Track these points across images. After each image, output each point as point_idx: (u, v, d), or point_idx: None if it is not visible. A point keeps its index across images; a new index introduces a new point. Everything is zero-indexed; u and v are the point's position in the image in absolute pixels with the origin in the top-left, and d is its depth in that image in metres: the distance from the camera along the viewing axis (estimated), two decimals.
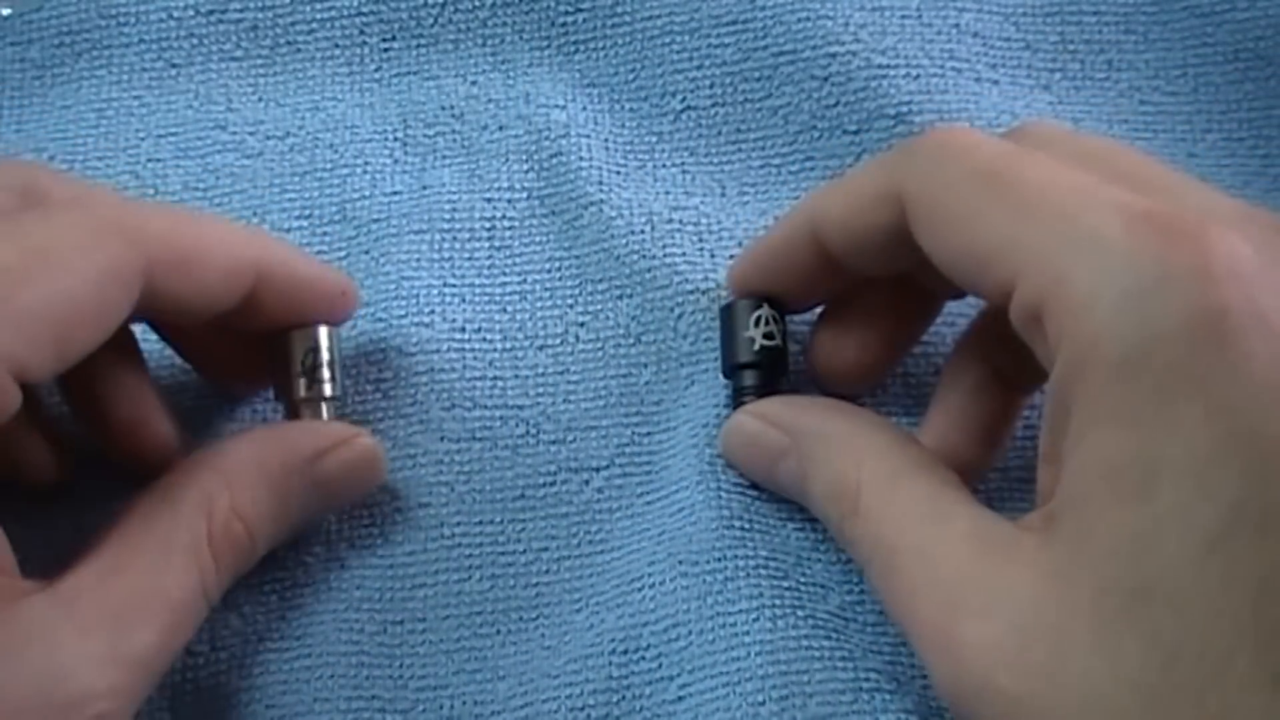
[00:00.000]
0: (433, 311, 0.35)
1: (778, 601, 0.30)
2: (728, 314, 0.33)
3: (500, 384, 0.34)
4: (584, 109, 0.38)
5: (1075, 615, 0.23)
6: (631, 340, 0.35)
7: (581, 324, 0.35)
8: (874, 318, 0.32)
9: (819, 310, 0.33)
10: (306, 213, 0.37)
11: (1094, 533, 0.23)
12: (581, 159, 0.37)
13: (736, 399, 0.32)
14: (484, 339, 0.35)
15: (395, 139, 0.38)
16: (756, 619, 0.30)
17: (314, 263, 0.33)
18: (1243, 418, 0.22)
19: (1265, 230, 0.25)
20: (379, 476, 0.32)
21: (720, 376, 0.34)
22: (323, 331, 0.32)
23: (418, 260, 0.36)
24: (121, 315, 0.28)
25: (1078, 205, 0.25)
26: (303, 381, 0.32)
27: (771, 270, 0.32)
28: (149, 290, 0.28)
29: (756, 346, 0.32)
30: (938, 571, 0.26)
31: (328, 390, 0.32)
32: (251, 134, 0.38)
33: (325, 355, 0.32)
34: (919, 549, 0.27)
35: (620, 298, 0.35)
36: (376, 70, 0.39)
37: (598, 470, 0.34)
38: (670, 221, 0.36)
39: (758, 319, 0.32)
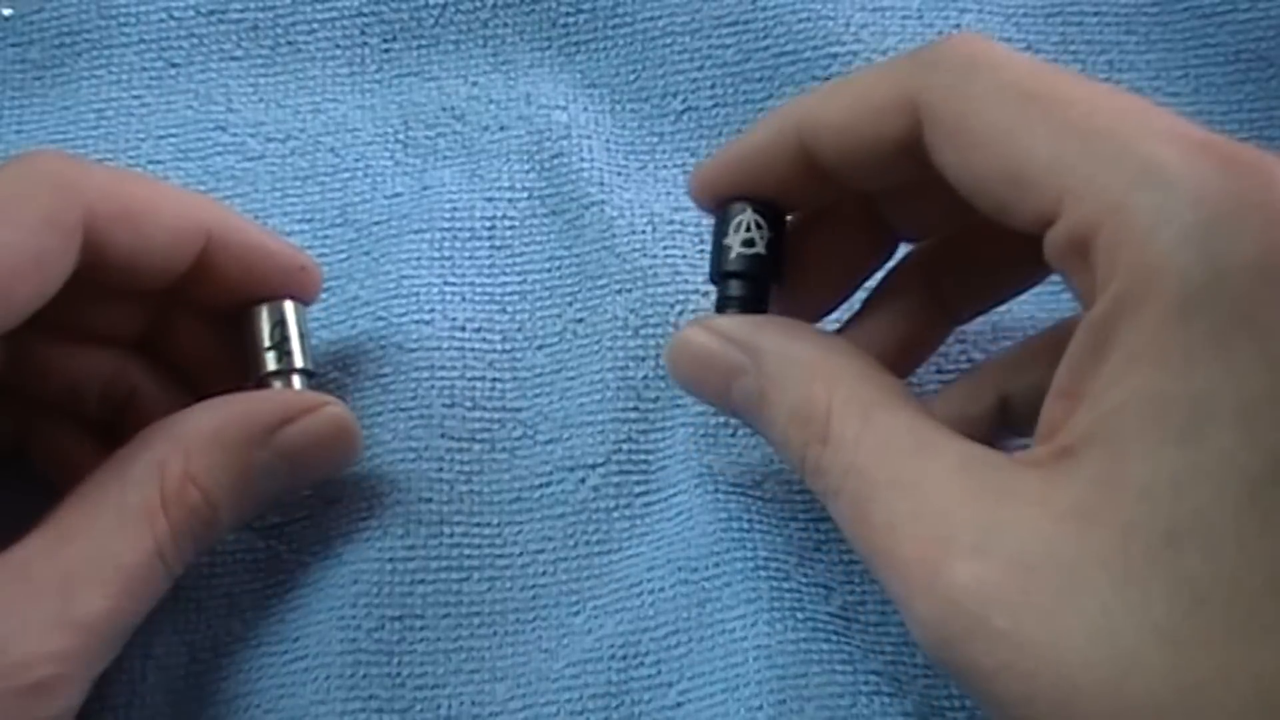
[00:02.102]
0: (433, 309, 0.35)
1: (777, 604, 0.30)
2: (718, 219, 0.30)
3: (499, 385, 0.34)
4: (585, 110, 0.38)
5: (1094, 555, 0.22)
6: (630, 333, 0.34)
7: (579, 319, 0.35)
8: (828, 251, 0.31)
9: None
10: (308, 217, 0.37)
11: (1127, 471, 0.22)
12: (583, 160, 0.37)
13: (718, 311, 0.30)
14: (484, 338, 0.35)
15: (396, 140, 0.38)
16: (754, 623, 0.30)
17: (269, 234, 0.32)
18: None
19: None
20: (351, 450, 0.31)
21: None
22: (289, 305, 0.32)
23: (418, 259, 0.35)
24: (64, 267, 0.28)
25: (1130, 129, 0.23)
26: (272, 354, 0.31)
27: (744, 176, 0.29)
28: (95, 244, 0.28)
29: (733, 255, 0.29)
30: (923, 505, 0.24)
31: (298, 361, 0.32)
32: (252, 136, 0.38)
33: (294, 328, 0.32)
34: (900, 481, 0.25)
35: (619, 292, 0.35)
36: (377, 71, 0.39)
37: (594, 467, 0.33)
38: (671, 223, 0.36)
39: (738, 224, 0.29)
